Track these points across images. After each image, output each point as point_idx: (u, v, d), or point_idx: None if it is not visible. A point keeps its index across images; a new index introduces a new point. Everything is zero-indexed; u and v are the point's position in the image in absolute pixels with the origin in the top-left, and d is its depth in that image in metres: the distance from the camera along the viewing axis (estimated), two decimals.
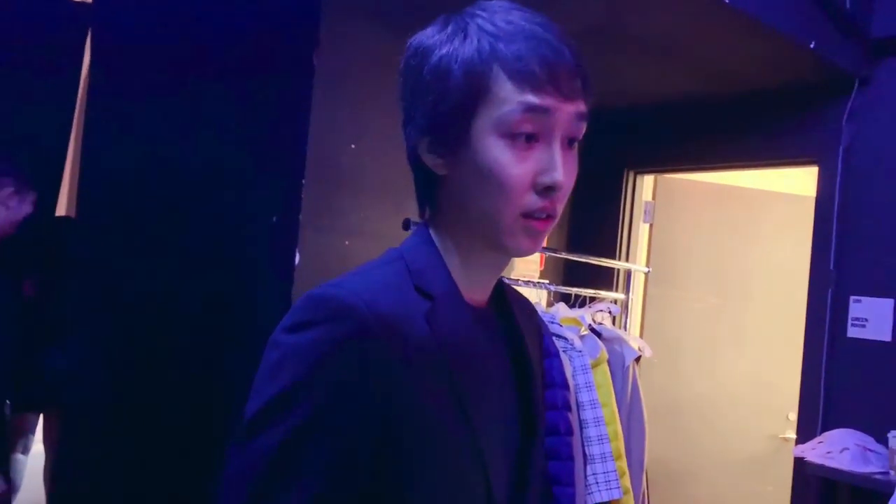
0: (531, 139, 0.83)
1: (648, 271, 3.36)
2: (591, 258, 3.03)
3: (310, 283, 2.29)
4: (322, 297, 0.82)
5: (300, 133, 2.30)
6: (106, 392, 2.76)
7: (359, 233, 2.43)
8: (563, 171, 0.84)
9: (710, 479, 3.48)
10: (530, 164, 0.83)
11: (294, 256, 2.29)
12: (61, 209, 3.02)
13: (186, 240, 2.61)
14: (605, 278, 3.33)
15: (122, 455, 2.65)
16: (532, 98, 0.81)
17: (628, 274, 3.33)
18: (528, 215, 0.84)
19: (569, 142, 0.86)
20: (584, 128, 0.86)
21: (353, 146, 2.43)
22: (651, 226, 3.57)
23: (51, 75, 3.03)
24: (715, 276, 3.57)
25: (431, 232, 0.92)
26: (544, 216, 0.85)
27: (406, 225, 2.21)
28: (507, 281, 1.09)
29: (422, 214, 0.94)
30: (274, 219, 2.36)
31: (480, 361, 0.89)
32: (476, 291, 0.92)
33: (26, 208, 2.50)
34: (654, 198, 3.59)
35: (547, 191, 0.84)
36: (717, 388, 3.50)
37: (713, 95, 3.13)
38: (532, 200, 0.84)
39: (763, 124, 3.09)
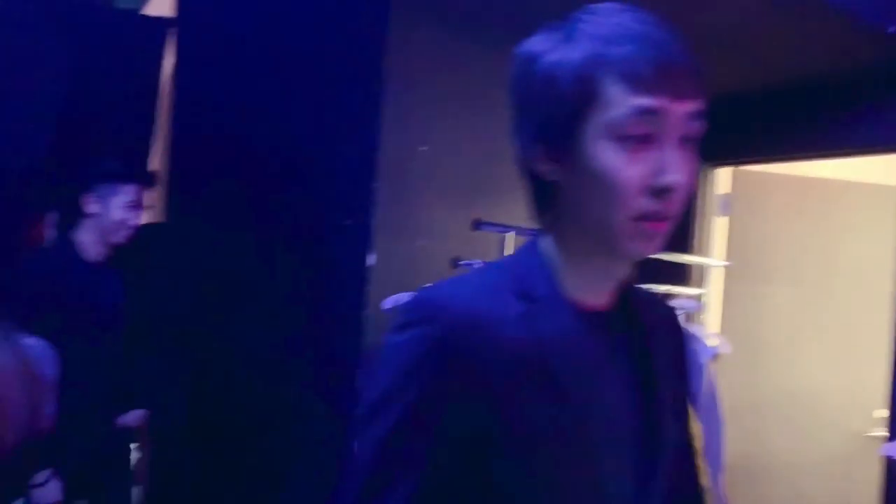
0: (644, 141, 0.82)
1: (728, 265, 3.29)
2: (666, 254, 2.98)
3: (383, 283, 2.35)
4: (419, 300, 0.88)
5: (372, 138, 2.35)
6: (190, 392, 2.86)
7: (429, 234, 2.46)
8: (677, 171, 0.82)
9: (791, 479, 3.39)
10: (643, 166, 0.82)
11: (368, 258, 2.34)
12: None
13: (265, 245, 2.69)
14: (679, 274, 3.28)
15: (207, 453, 2.75)
16: (643, 100, 0.81)
17: (704, 269, 3.27)
18: (642, 218, 0.83)
19: (684, 141, 0.84)
20: (699, 126, 0.85)
21: (422, 149, 2.47)
22: (730, 219, 3.50)
23: (129, 88, 3.14)
24: (796, 270, 3.47)
25: (543, 239, 0.93)
26: (660, 218, 0.84)
27: (476, 225, 2.24)
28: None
29: (535, 221, 0.95)
30: (348, 222, 2.42)
31: (588, 363, 0.88)
32: (592, 296, 0.91)
33: (142, 217, 2.60)
34: (732, 190, 3.52)
35: (661, 193, 0.82)
36: (798, 384, 3.41)
37: (788, 84, 3.05)
38: (646, 203, 0.82)
39: (840, 112, 3.00)
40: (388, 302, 2.32)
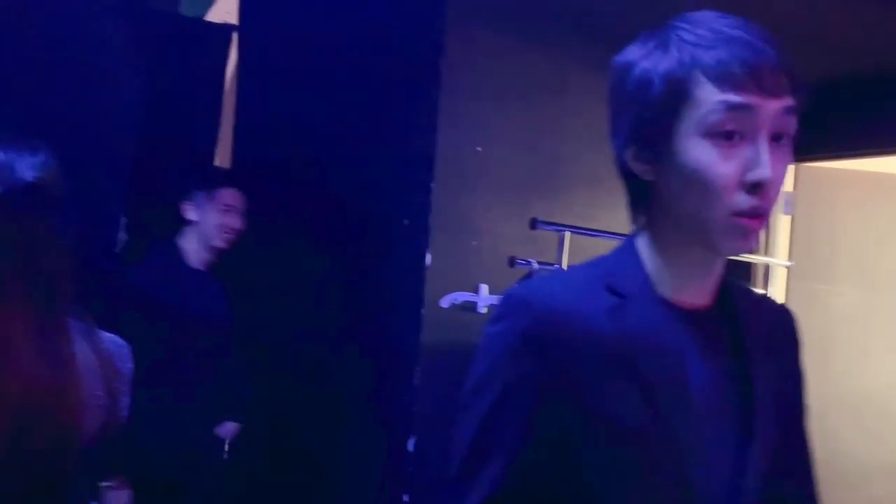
0: (736, 137, 0.84)
1: (791, 265, 3.23)
2: None
3: (440, 283, 2.38)
4: (510, 295, 0.94)
5: (428, 139, 2.38)
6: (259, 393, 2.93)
7: (486, 233, 2.48)
8: (769, 166, 0.84)
9: (863, 485, 3.30)
10: (736, 162, 0.84)
11: (425, 257, 2.37)
12: None
13: (323, 244, 2.74)
14: (741, 274, 3.23)
15: (275, 451, 2.82)
16: (733, 96, 0.83)
17: (766, 269, 3.22)
18: (738, 214, 0.85)
19: (778, 137, 0.86)
20: (793, 122, 0.87)
21: (478, 148, 2.49)
22: (792, 218, 3.43)
23: (195, 95, 3.21)
24: (864, 270, 3.38)
25: (639, 239, 0.96)
26: (755, 214, 0.85)
27: (533, 224, 2.24)
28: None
29: (634, 222, 0.97)
30: (406, 222, 2.45)
31: (676, 359, 0.90)
32: (687, 294, 0.93)
33: (240, 222, 2.65)
34: (794, 188, 3.45)
35: (755, 188, 0.84)
36: (868, 387, 3.31)
37: (854, 76, 2.97)
38: (741, 199, 0.85)
39: None
40: (445, 301, 2.35)
